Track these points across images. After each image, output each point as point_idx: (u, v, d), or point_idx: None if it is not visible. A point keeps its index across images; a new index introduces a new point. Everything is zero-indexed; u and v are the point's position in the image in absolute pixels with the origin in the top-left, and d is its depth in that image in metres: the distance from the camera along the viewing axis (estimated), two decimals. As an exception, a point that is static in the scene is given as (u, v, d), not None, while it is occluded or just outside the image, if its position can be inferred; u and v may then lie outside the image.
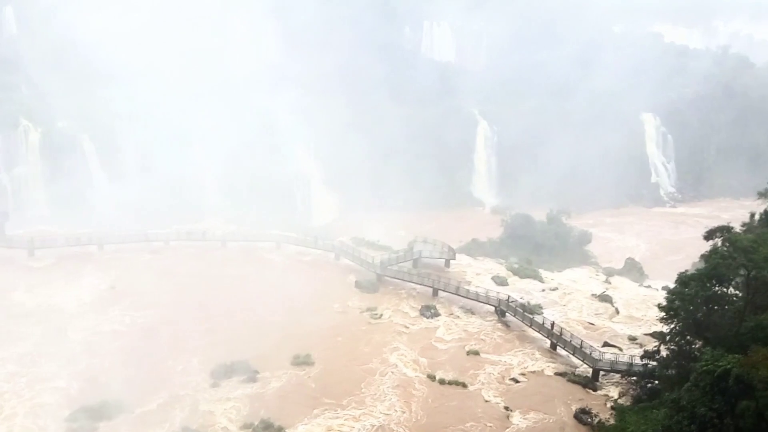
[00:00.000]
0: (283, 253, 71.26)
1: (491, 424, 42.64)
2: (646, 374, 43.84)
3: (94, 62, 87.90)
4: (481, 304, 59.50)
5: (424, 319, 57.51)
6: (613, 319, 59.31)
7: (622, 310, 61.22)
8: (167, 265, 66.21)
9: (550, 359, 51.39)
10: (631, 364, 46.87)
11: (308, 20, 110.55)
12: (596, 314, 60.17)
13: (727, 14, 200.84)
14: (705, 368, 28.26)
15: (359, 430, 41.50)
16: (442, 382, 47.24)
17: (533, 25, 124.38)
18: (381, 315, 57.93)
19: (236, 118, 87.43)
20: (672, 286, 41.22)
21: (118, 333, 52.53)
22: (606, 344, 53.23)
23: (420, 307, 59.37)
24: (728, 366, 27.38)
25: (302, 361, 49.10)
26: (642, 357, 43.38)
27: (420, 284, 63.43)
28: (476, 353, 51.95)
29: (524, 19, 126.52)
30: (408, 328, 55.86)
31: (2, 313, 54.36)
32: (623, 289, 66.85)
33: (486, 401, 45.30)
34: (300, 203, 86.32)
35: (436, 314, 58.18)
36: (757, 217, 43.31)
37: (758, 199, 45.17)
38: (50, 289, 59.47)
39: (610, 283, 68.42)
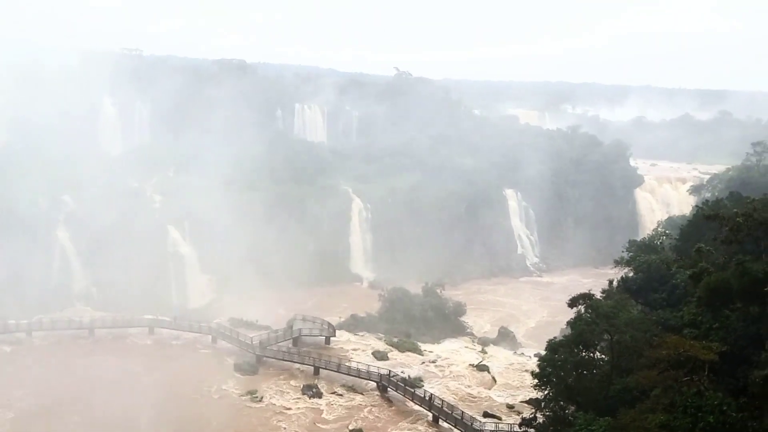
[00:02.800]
0: (156, 338, 67.03)
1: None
2: (525, 442, 44.54)
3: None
4: (363, 380, 58.69)
5: (306, 399, 55.73)
6: (491, 389, 60.52)
7: (499, 378, 62.73)
8: (27, 358, 60.58)
9: (434, 433, 51.23)
10: (510, 433, 47.66)
11: (180, 101, 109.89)
12: (475, 384, 61.14)
13: (573, 99, 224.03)
14: (579, 433, 29.23)
15: None
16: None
17: (398, 108, 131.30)
18: (261, 398, 55.50)
19: (106, 198, 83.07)
20: (543, 352, 42.91)
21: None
22: (486, 414, 53.98)
23: (302, 386, 57.57)
24: (600, 430, 28.48)
25: (178, 456, 45.60)
26: (520, 425, 44.14)
27: (301, 363, 61.73)
28: (360, 431, 50.77)
29: (390, 103, 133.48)
30: (290, 409, 53.90)
31: None
32: (498, 357, 68.71)
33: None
34: (175, 285, 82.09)
35: (318, 393, 56.57)
36: (615, 283, 46.58)
37: (615, 267, 48.87)
38: None
39: (485, 352, 70.10)
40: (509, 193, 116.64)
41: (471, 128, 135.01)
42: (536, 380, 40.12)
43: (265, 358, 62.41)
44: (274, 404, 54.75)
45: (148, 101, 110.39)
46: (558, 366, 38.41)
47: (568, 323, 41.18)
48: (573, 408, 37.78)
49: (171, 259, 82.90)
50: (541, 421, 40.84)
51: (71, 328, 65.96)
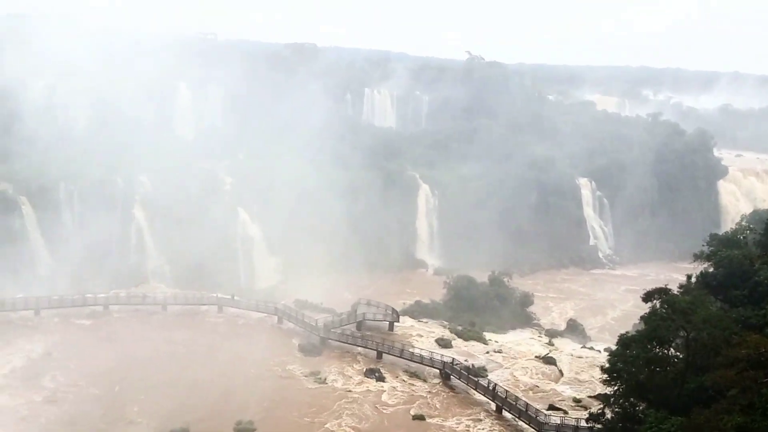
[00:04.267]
0: (225, 316, 69.28)
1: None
2: (592, 437, 43.69)
3: (36, 126, 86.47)
4: (426, 366, 58.82)
5: (369, 382, 56.38)
6: (558, 382, 59.50)
7: (566, 371, 61.55)
8: (106, 330, 63.73)
9: (496, 423, 50.85)
10: (577, 428, 46.73)
11: (251, 85, 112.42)
12: (540, 376, 60.25)
13: (654, 85, 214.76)
14: (649, 431, 28.38)
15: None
16: (387, 448, 46.04)
17: (469, 93, 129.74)
18: (324, 379, 56.53)
19: (178, 181, 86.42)
20: (614, 347, 41.86)
21: (53, 401, 49.79)
22: (551, 407, 53.12)
23: (364, 370, 58.26)
24: (672, 429, 27.57)
25: (244, 428, 47.38)
26: (587, 420, 43.36)
27: (364, 347, 62.43)
28: (421, 417, 51.03)
29: (461, 88, 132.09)
30: (352, 391, 54.57)
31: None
32: (566, 350, 67.35)
33: (433, 468, 44.23)
34: (243, 266, 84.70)
35: (381, 377, 57.14)
36: (693, 279, 44.74)
37: (694, 261, 46.89)
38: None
39: (552, 344, 68.95)
40: (583, 182, 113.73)
41: (544, 114, 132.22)
42: (606, 375, 39.38)
43: (329, 341, 63.49)
44: (337, 386, 55.66)
45: (221, 85, 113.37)
46: (630, 361, 37.37)
47: (642, 318, 40.00)
48: (644, 405, 36.72)
49: (240, 240, 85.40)
50: (609, 417, 39.96)
51: (145, 304, 69.00)
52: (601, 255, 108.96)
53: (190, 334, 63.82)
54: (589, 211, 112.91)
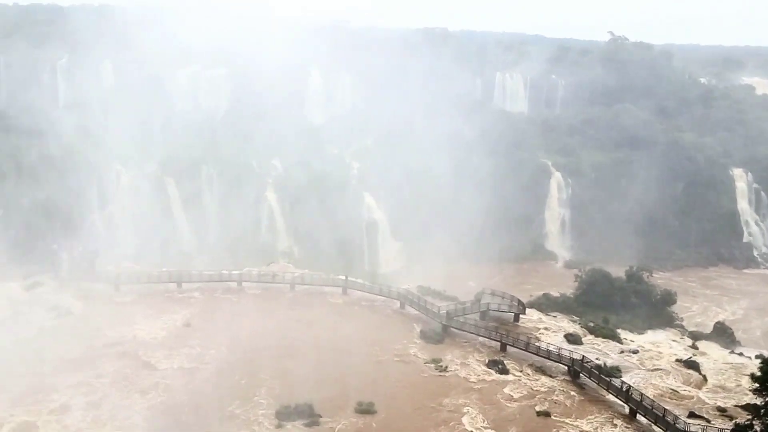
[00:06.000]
0: (349, 298, 71.06)
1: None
2: (738, 450, 40.11)
3: (179, 111, 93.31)
4: (553, 362, 56.74)
5: (492, 374, 55.30)
6: (700, 388, 55.14)
7: (710, 378, 56.89)
8: (239, 305, 67.86)
9: (630, 427, 48.02)
10: (720, 438, 43.20)
11: (381, 71, 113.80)
12: (681, 382, 56.12)
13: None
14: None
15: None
16: (510, 442, 44.98)
17: (610, 76, 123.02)
18: (446, 367, 56.19)
19: (308, 165, 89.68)
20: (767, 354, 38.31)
21: (189, 369, 53.84)
22: (692, 414, 49.36)
23: (487, 361, 57.23)
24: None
25: (365, 409, 48.38)
26: (732, 431, 39.82)
27: (487, 338, 61.31)
28: (547, 415, 49.26)
29: (602, 70, 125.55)
30: (474, 382, 53.81)
31: (86, 342, 56.85)
32: (711, 355, 62.30)
33: (558, 469, 42.64)
34: (367, 250, 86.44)
35: (504, 370, 55.83)
36: None
37: None
38: (131, 323, 61.61)
39: (696, 348, 64.06)
40: (737, 173, 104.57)
41: (694, 99, 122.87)
42: (757, 384, 36.54)
43: (451, 329, 63.01)
44: (458, 375, 55.12)
45: (352, 71, 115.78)
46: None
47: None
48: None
49: (365, 224, 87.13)
50: (758, 429, 36.47)
51: (275, 282, 72.29)
52: (756, 253, 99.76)
53: (315, 313, 66.15)
54: (743, 205, 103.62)
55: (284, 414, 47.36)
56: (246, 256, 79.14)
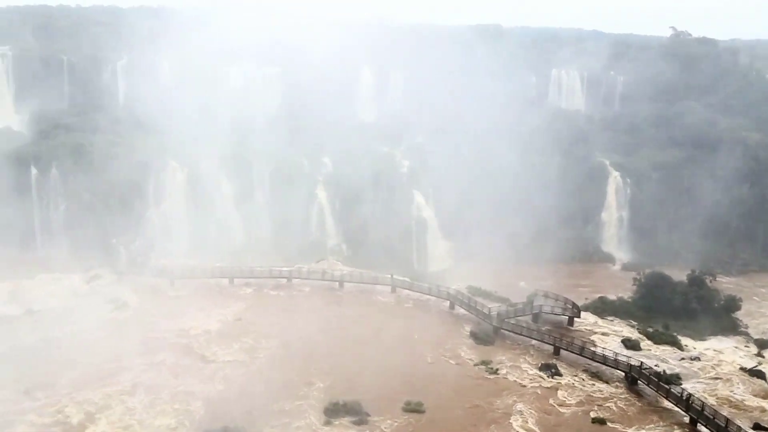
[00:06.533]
0: (397, 297, 70.88)
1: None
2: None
3: (233, 108, 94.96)
4: (609, 368, 55.17)
5: (544, 378, 54.16)
6: (766, 399, 52.67)
7: (778, 388, 54.35)
8: (288, 301, 68.87)
9: (690, 437, 46.34)
10: (789, 452, 41.04)
11: (433, 69, 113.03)
12: (745, 391, 53.70)
13: None
14: None
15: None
16: (563, 448, 43.93)
17: (673, 73, 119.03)
18: (496, 369, 55.33)
19: (357, 163, 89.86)
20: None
21: (241, 362, 54.90)
22: (757, 426, 47.24)
23: (539, 364, 56.09)
24: None
25: (413, 409, 48.27)
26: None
27: (540, 341, 60.16)
28: (602, 422, 47.94)
29: (663, 66, 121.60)
30: (525, 386, 52.85)
31: (142, 334, 58.62)
32: (779, 364, 59.57)
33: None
34: (416, 248, 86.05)
35: (557, 374, 54.61)
36: None
37: None
38: (185, 316, 63.20)
39: (762, 356, 61.40)
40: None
41: (761, 97, 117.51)
42: None
43: (502, 331, 62.12)
44: (509, 378, 54.22)
45: (403, 69, 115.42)
46: None
47: None
48: None
49: (414, 222, 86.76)
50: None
51: (324, 279, 72.68)
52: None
53: (363, 311, 66.31)
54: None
55: (332, 411, 47.70)
56: (296, 252, 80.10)
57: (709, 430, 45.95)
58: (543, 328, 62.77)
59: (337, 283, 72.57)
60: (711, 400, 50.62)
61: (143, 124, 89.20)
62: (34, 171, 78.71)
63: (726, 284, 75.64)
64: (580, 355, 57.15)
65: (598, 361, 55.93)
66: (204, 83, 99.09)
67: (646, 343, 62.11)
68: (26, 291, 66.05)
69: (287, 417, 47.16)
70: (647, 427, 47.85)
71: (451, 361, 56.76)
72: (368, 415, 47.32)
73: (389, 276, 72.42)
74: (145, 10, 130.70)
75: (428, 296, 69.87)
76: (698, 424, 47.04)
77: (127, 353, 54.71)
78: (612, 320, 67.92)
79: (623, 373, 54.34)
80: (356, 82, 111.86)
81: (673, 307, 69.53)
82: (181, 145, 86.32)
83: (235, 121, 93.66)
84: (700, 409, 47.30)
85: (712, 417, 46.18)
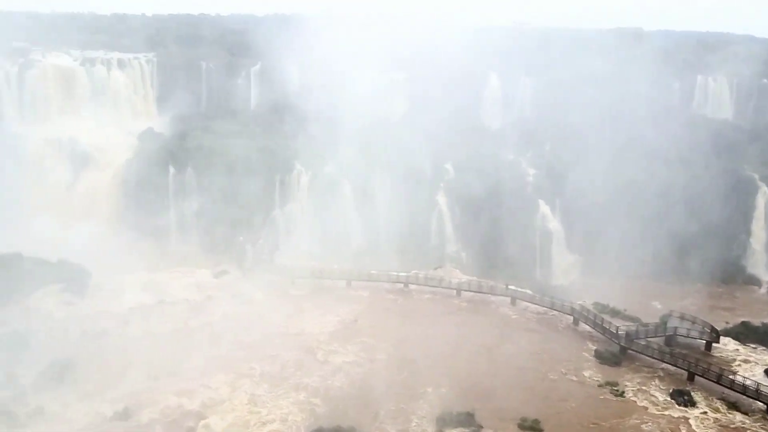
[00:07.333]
0: (517, 309, 69.90)
1: None
2: None
3: (358, 114, 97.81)
4: (749, 399, 51.31)
5: (675, 405, 51.30)
6: None
7: None
8: (405, 306, 70.08)
9: None
10: None
11: (566, 75, 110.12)
12: None
13: None
14: None
15: None
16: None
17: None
18: (622, 392, 53.20)
19: (480, 170, 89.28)
20: None
21: (356, 363, 56.78)
22: None
23: (671, 390, 53.24)
24: None
25: (530, 426, 47.74)
26: None
27: (673, 365, 57.10)
28: (739, 457, 44.75)
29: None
30: (654, 412, 50.41)
31: (262, 329, 62.09)
32: None
33: None
34: (539, 260, 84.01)
35: (690, 402, 51.58)
36: None
37: None
38: (304, 314, 66.39)
39: None
40: None
41: None
42: None
43: (630, 351, 59.63)
44: (636, 402, 52.07)
45: (533, 74, 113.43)
46: None
47: None
48: None
49: (539, 233, 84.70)
50: None
51: (441, 287, 73.12)
52: None
53: (481, 321, 66.11)
54: None
55: (445, 420, 47.94)
56: (414, 258, 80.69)
57: None
58: (677, 352, 59.37)
59: (455, 291, 72.62)
60: None
61: (272, 128, 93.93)
62: (171, 170, 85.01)
63: None
64: (718, 382, 53.86)
65: (737, 391, 52.52)
66: (331, 88, 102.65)
67: (795, 376, 57.02)
68: (160, 282, 71.50)
69: (398, 422, 47.98)
70: (794, 467, 44.05)
71: (573, 380, 55.43)
72: (481, 427, 47.25)
73: (509, 287, 71.53)
74: (279, 17, 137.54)
75: (550, 310, 68.33)
76: None
77: (249, 346, 58.06)
78: (756, 348, 63.03)
79: (765, 405, 50.34)
80: (483, 88, 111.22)
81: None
82: (307, 148, 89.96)
83: (360, 125, 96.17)
84: None
85: None
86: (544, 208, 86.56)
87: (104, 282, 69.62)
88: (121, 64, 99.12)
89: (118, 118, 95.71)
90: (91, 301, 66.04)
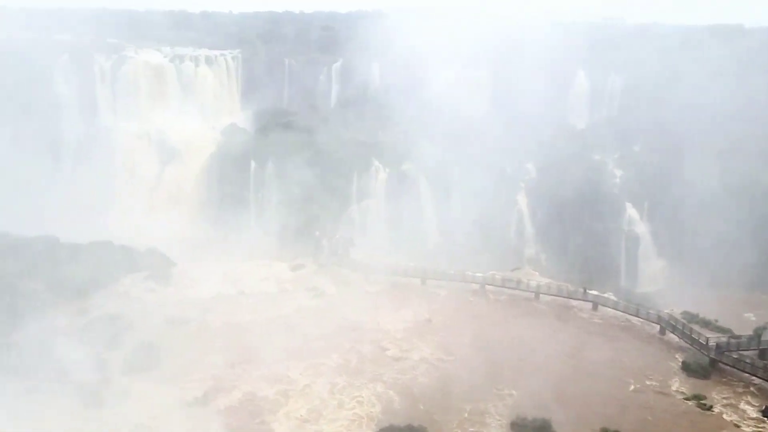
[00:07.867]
0: (599, 315, 68.17)
1: None
2: None
3: (439, 111, 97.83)
4: None
5: (767, 423, 48.73)
6: None
7: None
8: (480, 308, 69.49)
9: None
10: None
11: (657, 73, 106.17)
12: None
13: None
14: None
15: None
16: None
17: None
18: (710, 406, 51.04)
19: (564, 171, 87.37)
20: None
21: (429, 362, 57.01)
22: None
23: (763, 407, 50.61)
24: None
25: (611, 438, 46.31)
26: None
27: (767, 380, 54.16)
28: (840, 483, 42.06)
29: None
30: (744, 429, 48.17)
31: (335, 323, 63.39)
32: None
33: None
34: (624, 265, 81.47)
35: (786, 421, 48.86)
36: None
37: None
38: (378, 310, 66.99)
39: None
40: None
41: None
42: None
43: (720, 364, 57.15)
44: (724, 418, 49.88)
45: (623, 72, 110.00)
46: None
47: None
48: None
49: (624, 237, 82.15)
50: None
51: (518, 289, 72.21)
52: None
53: (560, 326, 64.82)
54: None
55: (519, 425, 47.47)
56: (491, 259, 79.99)
57: None
58: (772, 367, 56.41)
59: (533, 294, 71.58)
60: None
61: (351, 124, 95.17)
62: (253, 164, 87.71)
63: None
64: (818, 402, 50.64)
65: (841, 413, 49.14)
66: (411, 84, 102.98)
67: None
68: (239, 274, 74.11)
69: (470, 424, 47.94)
70: None
71: (657, 391, 53.65)
72: (558, 435, 46.26)
73: (590, 291, 69.93)
74: (362, 14, 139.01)
75: (635, 318, 66.29)
76: None
77: (325, 338, 59.53)
78: None
79: None
80: (569, 86, 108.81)
81: None
82: (385, 144, 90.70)
83: (440, 122, 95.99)
84: None
85: None
86: (632, 211, 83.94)
87: (187, 271, 72.84)
88: (208, 60, 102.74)
89: (203, 113, 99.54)
90: (174, 289, 69.31)
